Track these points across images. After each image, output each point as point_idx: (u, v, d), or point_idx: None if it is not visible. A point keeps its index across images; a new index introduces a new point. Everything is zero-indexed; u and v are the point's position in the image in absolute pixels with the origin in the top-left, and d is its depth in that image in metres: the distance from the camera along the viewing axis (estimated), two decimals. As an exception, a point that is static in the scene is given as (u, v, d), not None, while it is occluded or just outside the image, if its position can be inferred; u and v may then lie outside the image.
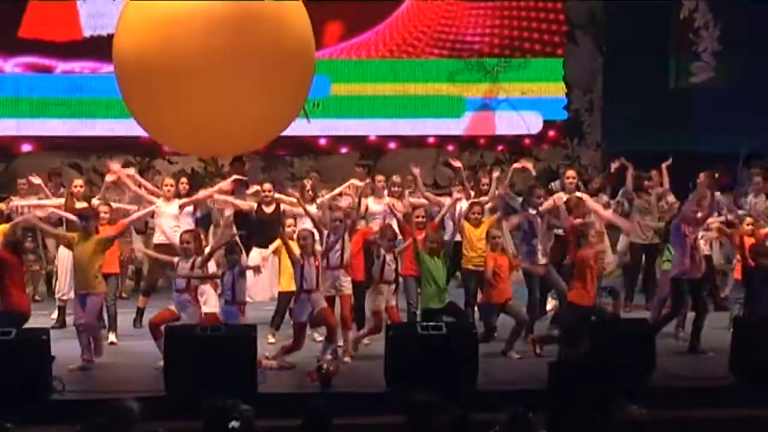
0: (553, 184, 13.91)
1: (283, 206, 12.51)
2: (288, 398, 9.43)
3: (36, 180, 13.02)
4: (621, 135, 17.49)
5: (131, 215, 11.85)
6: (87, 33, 16.58)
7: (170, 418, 8.20)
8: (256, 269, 11.41)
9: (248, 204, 12.88)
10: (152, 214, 12.51)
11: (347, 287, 11.04)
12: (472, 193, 12.66)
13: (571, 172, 12.98)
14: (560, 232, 12.08)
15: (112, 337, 11.74)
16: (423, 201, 12.63)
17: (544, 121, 17.85)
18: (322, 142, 17.40)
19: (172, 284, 10.82)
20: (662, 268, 12.21)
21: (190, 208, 12.44)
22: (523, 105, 17.82)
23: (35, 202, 12.95)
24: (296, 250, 10.67)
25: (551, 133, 17.97)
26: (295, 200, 12.00)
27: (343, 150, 17.34)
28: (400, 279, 11.68)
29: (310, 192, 12.35)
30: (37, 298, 13.65)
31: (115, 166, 12.69)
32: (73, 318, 11.29)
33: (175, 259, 10.79)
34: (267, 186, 12.81)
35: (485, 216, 11.90)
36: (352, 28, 17.41)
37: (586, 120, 18.29)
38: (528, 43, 17.90)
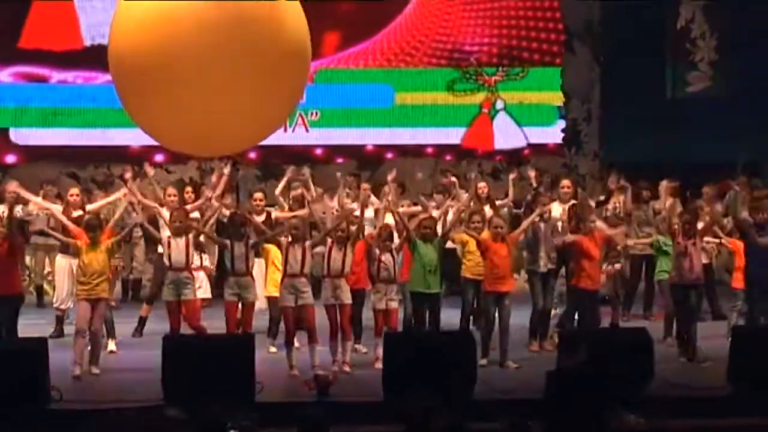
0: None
1: (274, 215, 12.49)
2: (285, 407, 9.40)
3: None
4: (619, 144, 17.52)
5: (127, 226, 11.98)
6: (87, 42, 16.62)
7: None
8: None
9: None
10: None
11: (348, 297, 11.05)
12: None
13: (566, 182, 12.88)
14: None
15: (111, 345, 11.75)
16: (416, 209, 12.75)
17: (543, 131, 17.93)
18: (318, 152, 17.42)
19: (168, 263, 10.91)
20: (657, 278, 12.38)
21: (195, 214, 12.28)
22: (521, 113, 17.87)
23: (36, 199, 12.82)
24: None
25: (549, 142, 18.00)
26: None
27: (339, 160, 17.33)
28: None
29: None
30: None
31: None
32: (72, 326, 11.30)
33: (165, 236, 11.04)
34: (258, 195, 12.73)
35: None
36: (350, 37, 17.44)
37: (584, 129, 18.32)
38: (527, 52, 17.94)
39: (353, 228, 11.21)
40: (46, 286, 14.51)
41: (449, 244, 12.03)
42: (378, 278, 11.11)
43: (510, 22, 17.90)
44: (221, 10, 8.48)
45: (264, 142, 15.14)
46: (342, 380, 10.28)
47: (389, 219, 11.88)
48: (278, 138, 16.73)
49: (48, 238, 12.96)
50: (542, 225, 11.84)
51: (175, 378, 9.60)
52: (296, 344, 10.89)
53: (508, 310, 11.23)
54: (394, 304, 11.15)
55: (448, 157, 17.64)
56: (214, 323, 11.37)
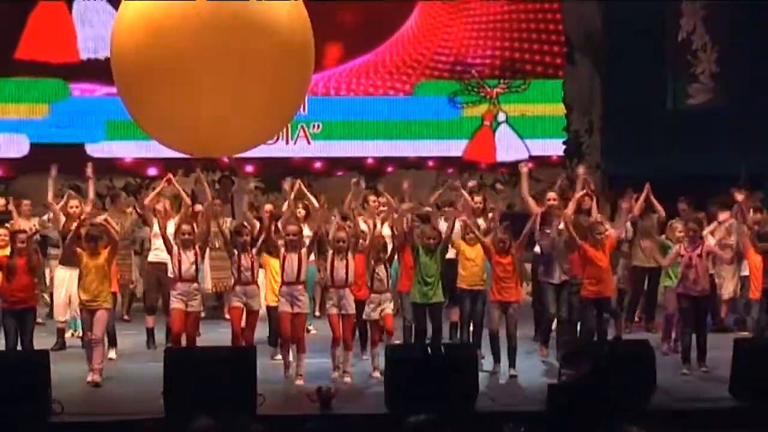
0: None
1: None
2: (287, 420, 9.39)
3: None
4: (620, 156, 17.52)
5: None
6: (84, 56, 16.62)
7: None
8: None
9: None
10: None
11: (352, 307, 11.08)
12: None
13: (551, 194, 12.52)
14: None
15: (111, 354, 11.80)
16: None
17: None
18: (318, 165, 17.40)
19: (178, 275, 10.94)
20: (663, 285, 12.47)
21: None
22: (524, 126, 17.88)
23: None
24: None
25: (552, 154, 18.00)
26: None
27: (340, 173, 17.29)
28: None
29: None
30: (39, 320, 13.59)
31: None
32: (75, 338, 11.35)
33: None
34: (268, 207, 12.78)
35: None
36: (352, 50, 17.45)
37: (586, 141, 18.32)
38: (529, 64, 17.96)
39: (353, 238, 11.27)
40: (47, 298, 14.49)
41: (451, 254, 11.97)
42: (372, 289, 11.16)
43: (512, 34, 17.91)
44: (223, 10, 8.51)
45: (266, 155, 15.22)
46: (345, 392, 10.28)
47: (386, 230, 12.00)
48: (280, 150, 16.85)
49: (51, 249, 13.08)
50: (557, 237, 11.85)
51: (177, 390, 9.59)
52: (290, 357, 11.04)
53: (514, 319, 11.28)
54: (388, 310, 11.20)
55: (450, 170, 17.62)
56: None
